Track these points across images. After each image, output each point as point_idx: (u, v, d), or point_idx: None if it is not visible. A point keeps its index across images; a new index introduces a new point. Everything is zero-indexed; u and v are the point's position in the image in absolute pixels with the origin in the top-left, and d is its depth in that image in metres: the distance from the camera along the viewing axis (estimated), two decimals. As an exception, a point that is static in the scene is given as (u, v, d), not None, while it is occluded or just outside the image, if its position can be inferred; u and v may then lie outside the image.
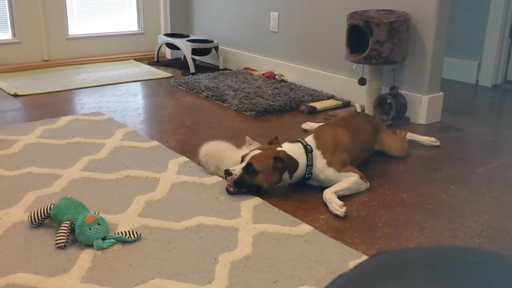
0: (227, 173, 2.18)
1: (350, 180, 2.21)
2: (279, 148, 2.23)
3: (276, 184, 2.20)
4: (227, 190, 2.20)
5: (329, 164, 2.23)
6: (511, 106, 3.79)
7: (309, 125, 3.05)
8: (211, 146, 2.44)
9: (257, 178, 2.15)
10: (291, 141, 2.29)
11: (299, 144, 2.26)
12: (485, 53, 4.25)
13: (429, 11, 3.06)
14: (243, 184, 2.17)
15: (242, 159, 2.21)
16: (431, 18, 3.06)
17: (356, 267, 0.76)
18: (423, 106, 3.19)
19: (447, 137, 2.99)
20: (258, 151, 2.19)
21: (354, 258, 1.76)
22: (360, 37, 3.09)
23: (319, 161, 2.24)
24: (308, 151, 2.23)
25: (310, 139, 2.29)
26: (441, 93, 3.28)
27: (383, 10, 3.18)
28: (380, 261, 0.76)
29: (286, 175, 2.18)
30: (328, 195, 2.12)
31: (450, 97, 3.64)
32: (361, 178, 2.25)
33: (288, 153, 2.18)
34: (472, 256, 0.75)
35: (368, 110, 3.23)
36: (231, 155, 2.37)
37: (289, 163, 2.15)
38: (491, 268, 0.71)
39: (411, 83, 3.24)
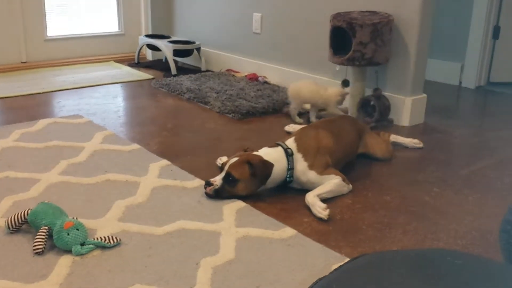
0: (208, 183, 2.16)
1: (332, 182, 2.19)
2: (255, 153, 2.21)
3: (256, 190, 2.18)
4: (207, 194, 2.17)
5: (311, 167, 2.21)
6: (494, 107, 3.81)
7: (292, 127, 3.04)
8: (301, 83, 3.17)
9: (237, 186, 2.13)
10: (271, 146, 2.27)
11: (279, 148, 2.24)
12: (468, 54, 4.27)
13: (412, 13, 3.06)
14: (223, 195, 2.14)
15: (222, 168, 2.19)
16: (414, 19, 3.06)
17: (335, 270, 0.74)
18: (407, 108, 3.19)
19: (430, 139, 2.99)
20: (236, 159, 2.17)
21: (338, 261, 1.73)
22: (343, 39, 3.08)
23: (300, 164, 2.22)
24: (289, 154, 2.21)
25: (290, 142, 2.27)
26: (425, 95, 3.28)
27: (366, 11, 3.18)
28: (360, 264, 0.75)
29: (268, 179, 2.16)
30: (311, 198, 2.10)
31: (433, 99, 3.65)
32: (344, 180, 2.24)
33: (267, 158, 2.16)
34: (452, 259, 0.75)
35: (352, 112, 3.22)
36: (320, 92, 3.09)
37: (261, 168, 2.12)
38: (471, 270, 0.71)
39: (395, 85, 3.23)
